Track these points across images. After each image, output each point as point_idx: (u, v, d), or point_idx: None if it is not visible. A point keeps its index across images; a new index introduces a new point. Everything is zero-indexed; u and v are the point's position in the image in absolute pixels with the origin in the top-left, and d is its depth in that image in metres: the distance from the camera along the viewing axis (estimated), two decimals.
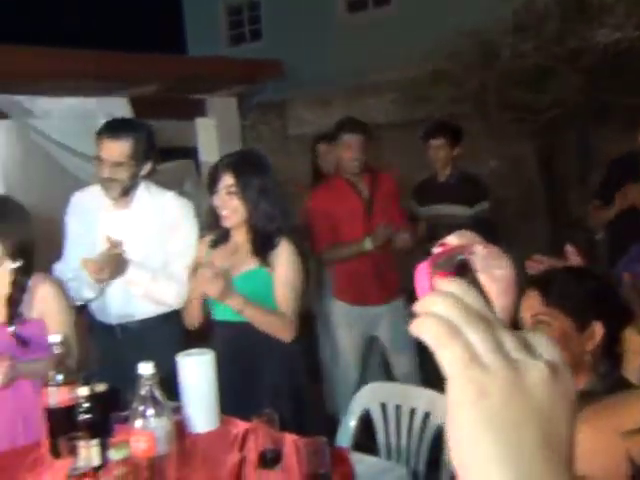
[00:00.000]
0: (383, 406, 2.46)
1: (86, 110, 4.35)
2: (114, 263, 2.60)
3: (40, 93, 4.21)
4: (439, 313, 0.49)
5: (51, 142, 4.23)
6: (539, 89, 5.65)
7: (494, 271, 0.66)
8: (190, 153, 5.31)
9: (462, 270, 0.61)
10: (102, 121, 4.05)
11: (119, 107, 4.38)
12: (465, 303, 0.50)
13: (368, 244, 3.49)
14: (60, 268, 2.77)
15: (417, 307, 0.50)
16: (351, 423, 2.44)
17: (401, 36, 7.85)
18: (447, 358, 0.48)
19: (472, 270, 0.64)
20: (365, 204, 3.66)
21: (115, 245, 2.62)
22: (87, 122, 4.22)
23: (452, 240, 0.63)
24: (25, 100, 4.13)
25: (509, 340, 0.50)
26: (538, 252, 2.21)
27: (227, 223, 2.56)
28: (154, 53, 5.49)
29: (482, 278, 0.65)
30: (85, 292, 2.72)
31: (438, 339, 0.48)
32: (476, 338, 0.48)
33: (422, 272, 0.55)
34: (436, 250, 0.60)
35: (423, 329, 0.49)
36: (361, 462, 1.94)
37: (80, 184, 3.97)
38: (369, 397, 2.50)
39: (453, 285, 0.51)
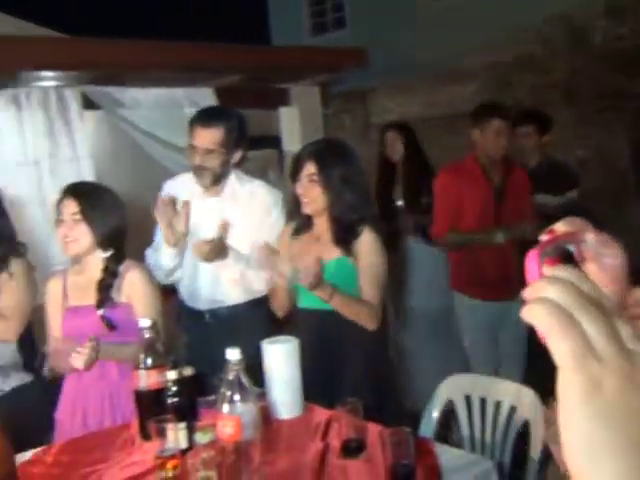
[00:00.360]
0: (467, 398, 2.42)
1: (173, 100, 4.44)
2: (220, 246, 2.67)
3: (129, 84, 4.32)
4: (552, 299, 0.47)
5: (139, 132, 4.34)
6: (635, 74, 5.41)
7: (604, 259, 0.63)
8: (273, 142, 5.34)
9: (571, 258, 0.58)
10: (188, 111, 4.16)
11: (205, 97, 4.46)
12: (579, 289, 0.48)
13: (500, 238, 3.34)
14: (151, 253, 2.85)
15: (527, 292, 0.48)
16: (434, 414, 2.42)
17: (484, 21, 7.66)
18: (561, 349, 0.46)
19: (581, 258, 0.61)
20: (496, 192, 3.52)
21: (225, 229, 2.68)
22: (174, 112, 4.32)
23: (561, 227, 0.60)
24: (115, 91, 4.24)
25: (624, 330, 0.48)
26: (630, 244, 2.12)
27: (307, 210, 2.57)
28: (238, 44, 5.55)
29: (592, 266, 0.62)
30: (164, 262, 2.78)
31: (552, 327, 0.46)
32: (591, 328, 0.46)
33: (532, 260, 0.52)
34: (544, 237, 0.58)
35: (535, 315, 0.47)
36: (445, 454, 1.92)
37: (167, 173, 4.08)
38: (453, 388, 2.47)
39: (566, 272, 0.49)
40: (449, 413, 2.46)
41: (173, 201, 2.71)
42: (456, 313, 3.67)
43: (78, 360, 2.26)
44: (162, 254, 2.76)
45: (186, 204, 2.69)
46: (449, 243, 3.56)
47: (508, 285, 3.27)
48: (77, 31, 6.21)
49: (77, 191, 2.47)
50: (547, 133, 3.97)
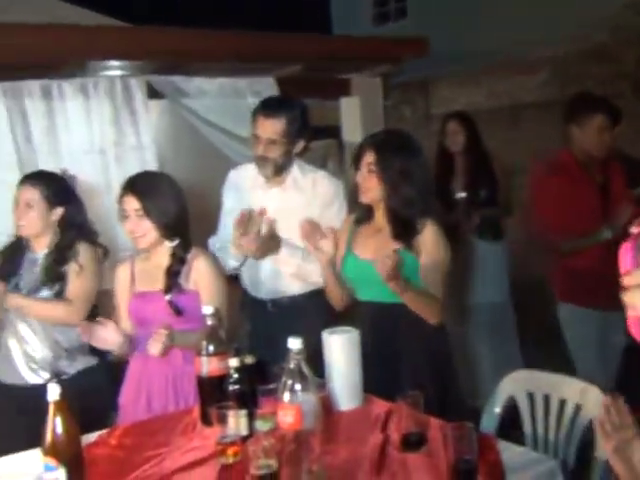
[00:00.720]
0: (530, 395, 2.38)
1: (235, 90, 4.46)
2: (267, 241, 2.67)
3: (193, 74, 4.37)
4: None
5: (202, 121, 4.38)
6: None
7: None
8: (333, 132, 5.33)
9: None
10: (251, 101, 4.18)
11: (267, 87, 4.47)
12: None
13: (607, 233, 3.14)
14: (214, 242, 2.88)
15: (627, 280, 0.46)
16: (496, 410, 2.38)
17: (551, 10, 7.48)
18: None
19: None
20: (600, 191, 3.33)
21: (268, 223, 2.69)
22: (236, 102, 4.35)
23: None
24: (179, 80, 4.29)
25: None
26: None
27: (363, 199, 2.55)
28: (300, 33, 5.55)
29: None
30: (230, 262, 2.82)
31: None
32: None
33: (626, 251, 0.51)
34: (636, 230, 0.56)
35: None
36: (507, 450, 1.89)
37: (228, 162, 4.12)
38: (515, 385, 2.43)
39: None
40: (511, 410, 2.42)
41: (250, 213, 2.70)
42: (563, 324, 3.44)
43: (154, 347, 2.30)
44: (229, 256, 2.79)
45: (262, 212, 2.69)
46: (567, 250, 3.32)
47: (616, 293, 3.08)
48: (140, 20, 6.31)
49: (136, 187, 2.50)
50: (617, 125, 3.85)
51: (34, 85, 3.83)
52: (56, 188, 2.69)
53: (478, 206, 4.06)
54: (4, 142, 3.76)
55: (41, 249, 2.69)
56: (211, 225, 3.02)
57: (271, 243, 2.72)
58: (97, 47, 3.82)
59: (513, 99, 6.37)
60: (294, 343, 1.79)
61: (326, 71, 5.05)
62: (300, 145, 2.83)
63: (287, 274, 2.82)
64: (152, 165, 3.96)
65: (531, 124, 5.96)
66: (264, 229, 2.68)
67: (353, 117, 5.14)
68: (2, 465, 1.99)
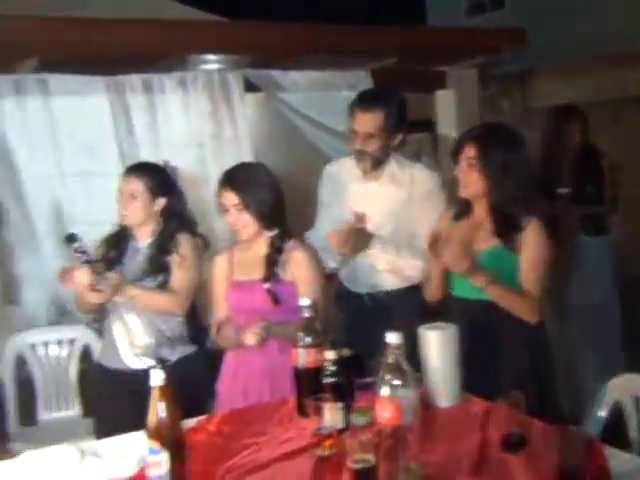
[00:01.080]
0: (636, 399, 2.27)
1: (330, 83, 4.48)
2: (357, 237, 2.66)
3: (288, 67, 4.41)
4: None
5: (297, 114, 4.42)
6: None
7: None
8: (428, 126, 5.27)
9: None
10: (346, 94, 4.18)
11: (361, 80, 4.46)
12: None
13: None
14: (311, 236, 2.89)
15: None
16: (601, 414, 2.29)
17: None
18: None
19: None
20: None
21: (359, 219, 2.67)
22: (331, 95, 4.37)
23: None
24: (275, 74, 4.34)
25: None
26: None
27: (463, 194, 2.50)
28: (394, 24, 5.50)
29: None
30: (330, 263, 2.83)
31: None
32: None
33: None
34: None
35: None
36: (612, 457, 1.81)
37: (321, 155, 4.13)
38: (620, 389, 2.33)
39: None
40: (616, 414, 2.32)
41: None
42: None
43: (252, 338, 2.33)
44: (329, 256, 2.80)
45: (361, 217, 2.68)
46: None
47: None
48: (235, 15, 6.40)
49: (234, 181, 2.52)
50: None
51: (136, 80, 3.95)
52: (159, 179, 2.76)
53: (583, 202, 3.92)
54: (107, 136, 3.91)
55: (144, 239, 2.77)
56: (305, 219, 3.03)
57: (360, 240, 2.70)
58: (197, 42, 3.91)
59: (616, 92, 6.10)
60: (393, 337, 1.76)
61: (421, 63, 4.99)
62: (398, 138, 2.80)
63: (382, 269, 2.80)
64: (247, 158, 4.02)
65: (636, 118, 5.70)
66: (354, 225, 2.68)
67: (448, 110, 5.07)
68: (107, 446, 2.05)
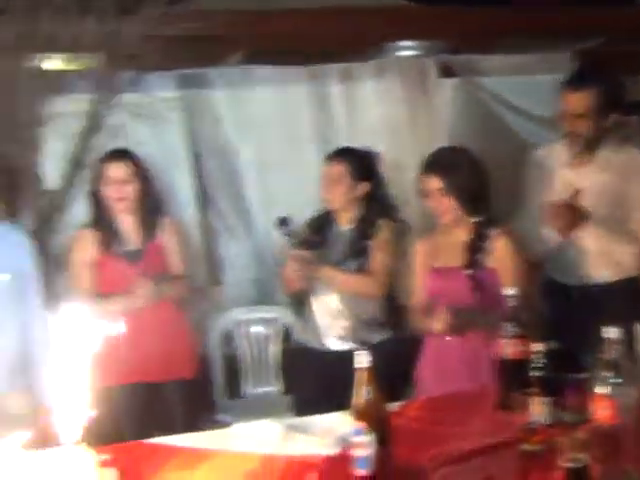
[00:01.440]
0: None
1: (530, 67, 4.32)
2: (573, 213, 2.55)
3: (485, 52, 4.30)
4: None
5: (496, 99, 4.29)
6: None
7: None
8: (636, 108, 4.91)
9: None
10: (546, 78, 4.00)
11: (564, 62, 4.25)
12: None
13: None
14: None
15: None
16: None
17: None
18: None
19: None
20: None
21: (575, 195, 2.56)
22: (531, 79, 4.21)
23: None
24: (472, 59, 4.25)
25: None
26: None
27: None
28: (601, 5, 5.18)
29: None
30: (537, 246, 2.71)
31: None
32: None
33: None
34: None
35: None
36: None
37: (521, 143, 3.98)
38: None
39: None
40: None
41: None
42: None
43: (440, 325, 2.30)
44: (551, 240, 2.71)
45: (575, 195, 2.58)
46: None
47: None
48: (428, 1, 6.31)
49: (437, 166, 2.50)
50: None
51: (335, 69, 4.02)
52: (361, 164, 2.80)
53: None
54: (306, 124, 4.01)
55: (346, 223, 2.82)
56: (503, 204, 2.92)
57: (576, 216, 2.57)
58: (395, 29, 3.91)
59: None
60: (612, 333, 1.67)
61: (630, 44, 4.67)
62: (612, 120, 2.64)
63: (595, 255, 2.65)
64: (444, 144, 3.96)
65: None
66: (569, 200, 2.58)
67: None
68: (308, 423, 2.11)
